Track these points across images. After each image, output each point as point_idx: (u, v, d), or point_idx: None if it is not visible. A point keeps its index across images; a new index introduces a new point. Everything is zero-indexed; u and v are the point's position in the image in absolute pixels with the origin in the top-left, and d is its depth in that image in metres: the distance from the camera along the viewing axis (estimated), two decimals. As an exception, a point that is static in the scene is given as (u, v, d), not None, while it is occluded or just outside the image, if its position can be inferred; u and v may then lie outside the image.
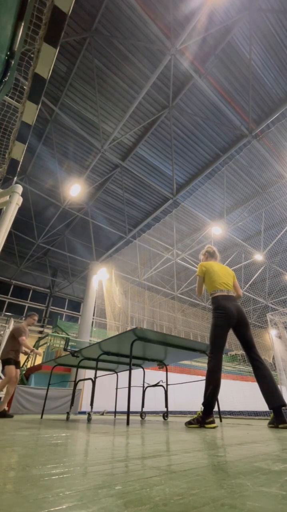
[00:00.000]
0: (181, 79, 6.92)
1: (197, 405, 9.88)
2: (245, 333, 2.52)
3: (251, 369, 2.43)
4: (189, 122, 7.83)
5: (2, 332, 8.19)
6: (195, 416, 2.27)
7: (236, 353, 19.03)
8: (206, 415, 2.17)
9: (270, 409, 2.13)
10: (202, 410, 2.22)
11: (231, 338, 19.27)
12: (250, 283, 13.82)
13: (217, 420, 3.37)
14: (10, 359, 4.40)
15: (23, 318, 15.11)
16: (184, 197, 9.95)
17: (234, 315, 2.49)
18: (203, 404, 2.22)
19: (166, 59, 6.02)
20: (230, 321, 2.47)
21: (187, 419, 4.09)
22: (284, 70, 6.63)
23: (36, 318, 4.94)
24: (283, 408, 2.12)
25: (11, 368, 4.34)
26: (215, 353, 2.37)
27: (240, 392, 11.51)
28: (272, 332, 10.55)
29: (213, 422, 2.14)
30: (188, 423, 2.23)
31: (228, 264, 12.63)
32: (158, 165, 9.02)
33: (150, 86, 6.70)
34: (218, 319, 2.46)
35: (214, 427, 2.09)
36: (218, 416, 3.30)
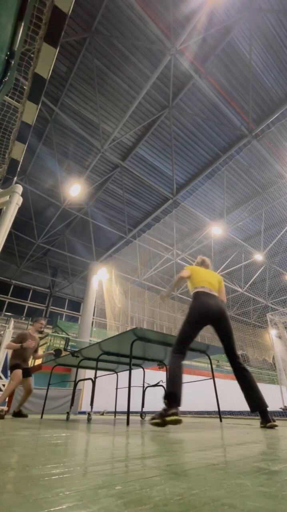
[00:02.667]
0: (181, 79, 6.92)
1: (197, 405, 9.89)
2: (224, 335, 2.37)
3: (252, 369, 2.40)
4: (189, 122, 7.83)
5: (2, 332, 8.19)
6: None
7: (236, 353, 19.03)
8: (169, 407, 1.91)
9: (253, 412, 2.16)
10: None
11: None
12: (250, 283, 13.82)
13: (216, 420, 3.36)
14: (16, 365, 4.36)
15: (23, 318, 15.12)
16: (184, 197, 9.95)
17: (209, 312, 2.33)
18: (164, 396, 2.02)
19: (166, 59, 6.02)
20: (203, 318, 2.30)
21: (187, 419, 4.09)
22: (284, 70, 6.63)
23: (44, 322, 4.87)
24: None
25: (15, 372, 4.29)
26: (175, 353, 2.17)
27: (240, 392, 11.49)
28: (272, 332, 10.54)
29: (175, 414, 1.84)
30: (151, 419, 1.98)
31: (228, 264, 12.64)
32: (158, 165, 9.02)
33: (150, 86, 6.70)
34: (189, 315, 2.31)
35: (175, 421, 1.80)
36: (218, 416, 3.29)
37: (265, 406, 2.12)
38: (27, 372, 4.44)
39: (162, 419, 1.87)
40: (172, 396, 1.96)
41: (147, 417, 4.98)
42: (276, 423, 2.08)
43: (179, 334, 2.26)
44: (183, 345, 2.21)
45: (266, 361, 17.83)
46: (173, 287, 2.71)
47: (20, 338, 4.49)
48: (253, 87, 6.88)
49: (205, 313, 2.32)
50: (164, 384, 4.07)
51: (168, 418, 1.83)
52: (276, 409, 9.29)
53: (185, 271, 2.71)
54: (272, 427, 2.07)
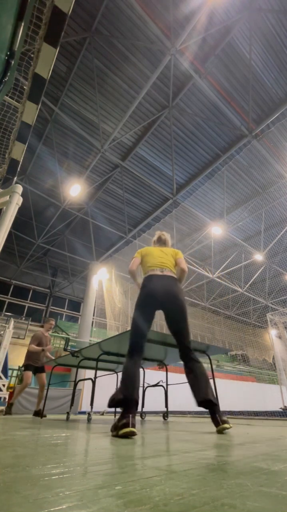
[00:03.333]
0: (181, 79, 6.92)
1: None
2: (172, 319, 2.06)
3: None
4: (189, 122, 7.83)
5: (2, 332, 8.19)
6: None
7: (236, 353, 19.04)
8: (121, 417, 1.56)
9: (199, 405, 1.79)
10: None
11: (231, 337, 19.22)
12: (250, 283, 13.82)
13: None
14: (27, 365, 4.66)
15: (23, 318, 15.12)
16: (184, 197, 9.95)
17: (156, 296, 2.05)
18: (109, 403, 1.71)
19: (166, 59, 6.02)
20: (149, 303, 2.04)
21: (187, 419, 4.09)
22: (284, 70, 6.63)
23: (53, 322, 5.18)
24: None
25: (26, 373, 4.62)
26: (130, 353, 1.89)
27: (240, 392, 11.51)
28: (272, 332, 10.55)
29: (126, 425, 1.48)
30: (110, 430, 1.65)
31: (228, 264, 12.64)
32: (158, 165, 9.02)
33: (150, 86, 6.70)
34: (136, 304, 2.06)
35: (126, 433, 1.46)
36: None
37: (207, 398, 1.73)
38: (40, 369, 4.75)
39: (116, 432, 1.52)
40: (123, 403, 1.63)
41: (147, 417, 4.98)
42: (228, 425, 1.68)
43: (131, 329, 2.01)
44: (137, 337, 1.94)
45: (266, 361, 17.84)
46: (134, 281, 2.49)
47: (38, 341, 4.79)
48: (253, 87, 6.88)
49: (149, 297, 2.05)
50: (164, 384, 4.08)
51: (120, 432, 1.49)
52: (276, 409, 9.28)
53: (133, 262, 2.42)
54: (223, 430, 1.69)
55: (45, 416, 4.56)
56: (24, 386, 4.57)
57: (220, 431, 1.69)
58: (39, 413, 4.57)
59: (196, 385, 1.81)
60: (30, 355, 4.69)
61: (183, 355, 1.99)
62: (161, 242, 2.68)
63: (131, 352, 1.89)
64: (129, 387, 1.69)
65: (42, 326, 5.09)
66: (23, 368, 4.75)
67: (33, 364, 4.67)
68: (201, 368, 1.90)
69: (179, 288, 2.16)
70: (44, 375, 4.76)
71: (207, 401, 1.73)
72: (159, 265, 2.27)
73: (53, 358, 4.82)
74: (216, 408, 1.76)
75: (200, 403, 1.76)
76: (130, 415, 1.54)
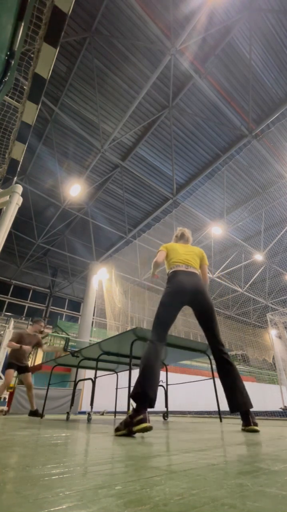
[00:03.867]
0: (181, 79, 6.92)
1: (197, 405, 9.89)
2: (204, 316, 2.10)
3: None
4: (189, 122, 7.83)
5: (2, 332, 8.19)
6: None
7: (236, 353, 19.03)
8: (136, 411, 1.54)
9: (232, 412, 1.84)
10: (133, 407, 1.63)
11: (231, 337, 19.21)
12: (250, 283, 13.82)
13: (217, 420, 3.37)
14: (10, 363, 4.57)
15: (23, 318, 15.11)
16: (184, 197, 9.95)
17: (185, 291, 2.06)
18: (131, 395, 1.63)
19: (166, 59, 6.02)
20: (178, 298, 2.04)
21: (187, 419, 4.09)
22: (284, 70, 6.63)
23: (43, 324, 5.01)
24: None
25: (7, 371, 4.50)
26: (153, 339, 1.88)
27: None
28: (272, 332, 10.55)
29: (143, 421, 1.49)
30: (116, 430, 1.58)
31: (228, 264, 12.63)
32: (158, 165, 9.02)
33: (150, 86, 6.70)
34: (163, 297, 2.05)
35: (143, 429, 1.46)
36: (218, 416, 3.29)
37: (249, 406, 1.82)
38: (23, 369, 4.63)
39: (128, 429, 1.51)
40: (142, 398, 1.58)
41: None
42: (257, 427, 1.77)
43: (155, 318, 2.00)
44: (161, 329, 1.93)
45: (266, 361, 17.84)
46: (152, 271, 2.54)
47: (18, 338, 4.62)
48: (253, 87, 6.88)
49: (179, 292, 2.06)
50: (164, 384, 4.07)
51: (135, 428, 1.47)
52: (276, 409, 9.28)
53: (160, 254, 2.42)
54: (252, 431, 1.77)
55: (41, 416, 4.53)
56: (5, 385, 4.43)
57: (251, 431, 1.77)
58: (36, 413, 4.51)
59: (235, 393, 1.84)
60: (11, 353, 4.60)
61: (217, 355, 2.03)
62: (184, 239, 2.68)
63: (154, 343, 1.85)
64: (149, 383, 1.65)
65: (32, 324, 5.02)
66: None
67: (15, 362, 4.58)
68: (237, 371, 1.94)
69: (205, 286, 2.21)
70: (29, 375, 4.67)
71: (247, 411, 1.81)
72: (184, 261, 2.30)
73: (31, 350, 4.74)
74: (250, 411, 1.84)
75: (235, 411, 1.82)
76: (146, 411, 1.55)
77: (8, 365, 4.54)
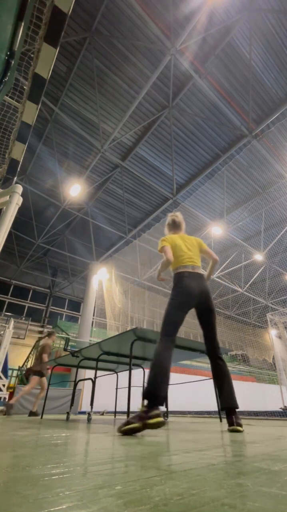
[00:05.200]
0: (181, 79, 6.92)
1: (197, 405, 9.89)
2: (208, 320, 2.17)
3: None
4: (189, 122, 7.83)
5: (2, 332, 8.19)
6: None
7: (236, 353, 19.03)
8: (150, 408, 1.61)
9: (222, 409, 1.94)
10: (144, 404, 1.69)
11: (231, 337, 19.20)
12: (250, 283, 13.82)
13: (217, 420, 3.37)
14: (40, 372, 5.09)
15: (23, 318, 15.11)
16: (184, 197, 9.95)
17: (195, 295, 2.11)
18: (144, 393, 1.68)
19: (166, 59, 6.02)
20: (188, 301, 2.08)
21: (187, 419, 4.08)
22: (284, 70, 6.63)
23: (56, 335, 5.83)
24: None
25: (43, 379, 5.13)
26: (163, 336, 1.92)
27: (240, 392, 11.49)
28: (272, 332, 10.55)
29: (158, 415, 1.57)
30: (125, 424, 1.59)
31: (228, 264, 12.63)
32: (158, 165, 9.02)
33: (150, 86, 6.70)
34: (174, 298, 2.09)
35: (157, 423, 1.54)
36: (218, 416, 3.29)
37: (236, 406, 1.88)
38: (43, 374, 5.21)
39: (142, 422, 1.55)
40: (155, 397, 1.64)
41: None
42: (241, 428, 1.79)
43: (165, 317, 2.02)
44: (171, 329, 1.96)
45: (266, 361, 17.84)
46: (160, 271, 2.43)
47: (48, 351, 5.27)
48: (253, 87, 6.88)
49: (188, 299, 2.09)
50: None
51: (151, 421, 1.53)
52: (276, 409, 9.28)
53: (168, 251, 2.30)
54: (235, 431, 1.78)
55: (39, 415, 4.85)
56: (43, 393, 5.07)
57: (233, 431, 1.80)
58: (35, 414, 4.86)
59: (225, 390, 1.94)
60: (44, 365, 5.08)
61: (213, 355, 2.12)
62: (176, 226, 2.57)
63: (168, 344, 1.90)
64: (161, 382, 1.71)
65: (48, 335, 5.56)
66: (34, 374, 5.11)
67: (43, 371, 5.07)
68: (229, 372, 2.03)
69: (209, 288, 2.25)
70: (45, 378, 5.18)
71: (233, 408, 1.89)
72: (190, 261, 2.28)
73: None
74: (235, 412, 1.90)
75: (226, 408, 1.91)
76: (159, 409, 1.63)
77: (39, 373, 5.03)
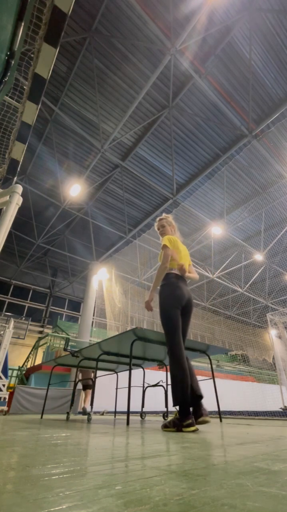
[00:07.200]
0: (181, 79, 6.92)
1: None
2: (186, 322, 2.35)
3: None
4: (189, 122, 7.83)
5: (2, 332, 8.18)
6: (173, 417, 1.95)
7: (236, 353, 19.03)
8: (184, 416, 1.84)
9: (195, 397, 2.15)
10: (178, 411, 1.92)
11: (230, 337, 19.19)
12: (250, 283, 13.81)
13: (216, 420, 3.37)
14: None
15: (23, 318, 15.11)
16: (184, 197, 9.94)
17: (184, 301, 2.30)
18: (175, 404, 1.91)
19: (166, 59, 6.02)
20: (179, 303, 2.25)
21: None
22: (284, 70, 6.63)
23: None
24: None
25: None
26: (175, 344, 2.07)
27: (240, 392, 11.50)
28: (272, 332, 10.54)
29: (192, 424, 1.81)
30: (164, 426, 1.92)
31: (228, 264, 12.64)
32: (158, 165, 9.01)
33: (150, 86, 6.69)
34: (170, 300, 2.23)
35: (193, 431, 1.78)
36: (218, 416, 3.30)
37: (202, 396, 2.11)
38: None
39: (177, 429, 1.82)
40: (185, 406, 1.87)
41: (147, 417, 4.98)
42: (208, 418, 2.02)
43: (167, 322, 2.14)
44: (178, 334, 2.10)
45: (266, 361, 17.83)
46: (157, 281, 2.45)
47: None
48: (253, 87, 6.88)
49: (181, 299, 2.26)
50: (164, 384, 4.07)
51: (186, 430, 1.79)
52: (276, 409, 9.28)
53: (171, 250, 2.40)
54: (203, 422, 2.02)
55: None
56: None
57: (201, 423, 2.03)
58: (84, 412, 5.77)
59: (194, 381, 2.15)
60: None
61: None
62: (176, 232, 2.75)
63: (180, 353, 2.04)
64: (186, 392, 1.92)
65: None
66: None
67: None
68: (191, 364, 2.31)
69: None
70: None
71: (200, 396, 2.12)
72: (184, 266, 2.42)
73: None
74: (202, 404, 2.13)
75: (196, 396, 2.11)
76: (191, 416, 1.87)
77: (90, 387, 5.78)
